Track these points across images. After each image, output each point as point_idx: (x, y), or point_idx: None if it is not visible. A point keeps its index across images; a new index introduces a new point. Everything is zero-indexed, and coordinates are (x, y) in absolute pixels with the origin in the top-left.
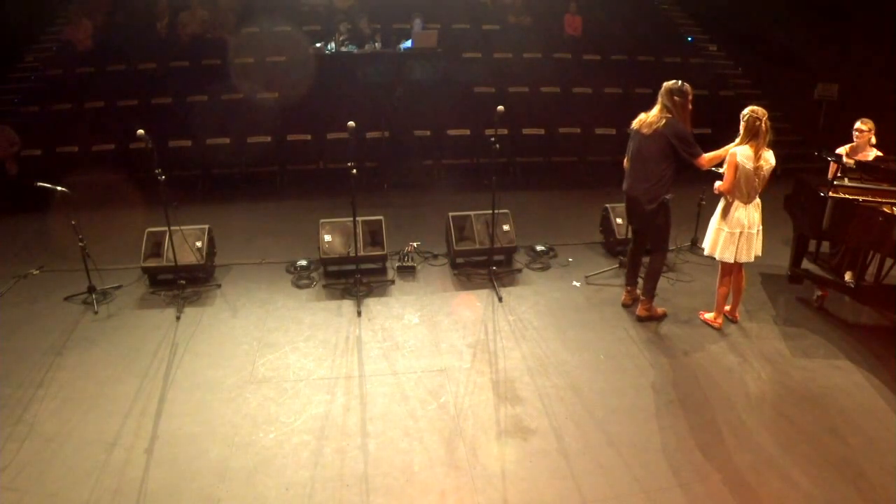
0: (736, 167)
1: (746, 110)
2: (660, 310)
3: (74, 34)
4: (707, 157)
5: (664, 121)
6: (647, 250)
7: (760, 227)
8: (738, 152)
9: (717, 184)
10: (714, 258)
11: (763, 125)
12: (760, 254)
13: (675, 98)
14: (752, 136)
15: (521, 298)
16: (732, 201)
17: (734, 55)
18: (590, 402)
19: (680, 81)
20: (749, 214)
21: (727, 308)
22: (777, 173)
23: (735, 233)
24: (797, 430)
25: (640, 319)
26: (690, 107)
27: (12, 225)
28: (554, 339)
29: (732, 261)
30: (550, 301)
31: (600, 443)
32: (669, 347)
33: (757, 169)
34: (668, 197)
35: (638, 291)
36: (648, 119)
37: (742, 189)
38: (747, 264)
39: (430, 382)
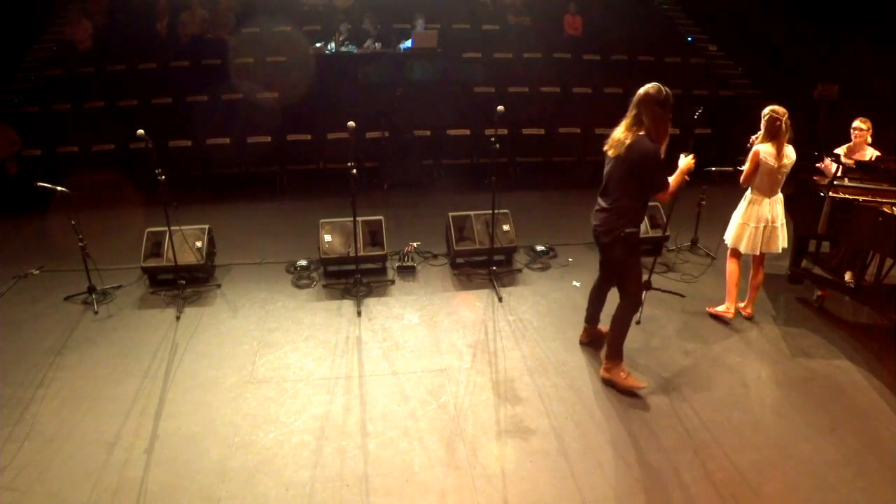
0: (757, 164)
1: (767, 109)
2: (633, 379)
3: (74, 34)
4: (670, 191)
5: (629, 140)
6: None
7: (784, 221)
8: (762, 150)
9: None
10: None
11: (783, 124)
12: (786, 245)
13: (656, 109)
14: (773, 135)
15: (521, 298)
16: (755, 197)
17: (734, 55)
18: (590, 402)
19: (660, 86)
20: (772, 208)
21: (741, 304)
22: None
23: (759, 227)
24: (797, 430)
25: (603, 381)
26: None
27: (12, 225)
28: (554, 339)
29: (757, 252)
30: (550, 301)
31: (600, 443)
32: (669, 347)
33: (781, 166)
34: (628, 230)
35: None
36: (615, 137)
37: (765, 184)
38: (748, 264)
39: (430, 382)
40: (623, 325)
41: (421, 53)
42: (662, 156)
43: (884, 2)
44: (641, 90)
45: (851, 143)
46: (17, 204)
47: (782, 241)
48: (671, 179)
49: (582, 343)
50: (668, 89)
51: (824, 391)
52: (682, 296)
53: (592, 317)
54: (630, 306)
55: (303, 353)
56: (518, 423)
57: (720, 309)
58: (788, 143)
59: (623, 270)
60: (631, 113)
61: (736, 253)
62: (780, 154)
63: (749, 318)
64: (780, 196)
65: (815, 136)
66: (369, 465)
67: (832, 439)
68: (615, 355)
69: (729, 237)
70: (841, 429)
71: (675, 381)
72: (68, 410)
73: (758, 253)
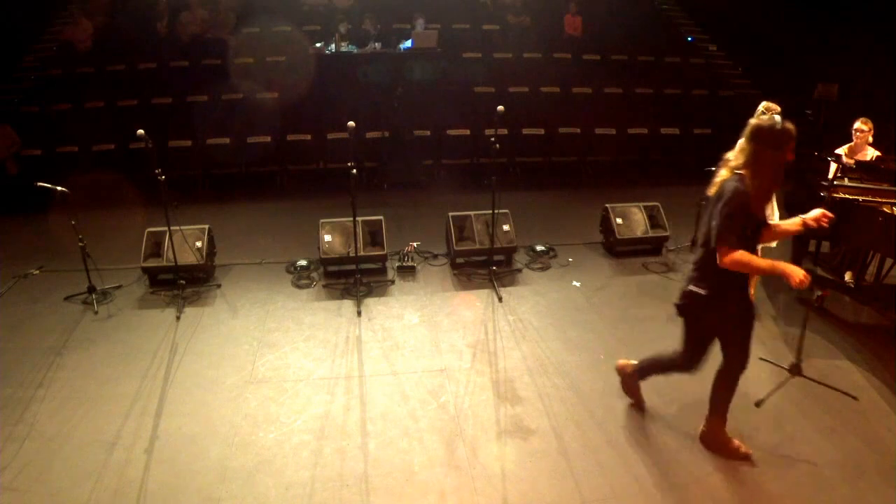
0: None
1: (761, 105)
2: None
3: (74, 34)
4: (737, 258)
5: (723, 178)
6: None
7: (776, 219)
8: None
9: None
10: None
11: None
12: (774, 244)
13: (764, 149)
14: None
15: (521, 298)
16: None
17: (734, 55)
18: (590, 402)
19: (777, 120)
20: None
21: None
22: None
23: None
24: (797, 430)
25: (702, 441)
26: (791, 156)
27: (12, 225)
28: (554, 339)
29: None
30: (550, 301)
31: (600, 443)
32: (670, 347)
33: None
34: (689, 288)
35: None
36: (718, 175)
37: None
38: None
39: (430, 382)
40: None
41: (421, 53)
42: (766, 207)
43: (884, 2)
44: (753, 120)
45: (852, 144)
46: (17, 204)
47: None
48: (740, 256)
49: (701, 440)
50: (788, 125)
51: (824, 391)
52: (854, 398)
53: (715, 410)
54: (678, 362)
55: (303, 353)
56: (518, 423)
57: None
58: None
59: (686, 327)
60: (738, 147)
61: None
62: None
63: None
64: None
65: (814, 136)
66: (369, 465)
67: (832, 439)
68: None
69: None
70: (841, 429)
71: (675, 381)
72: (68, 410)
73: None
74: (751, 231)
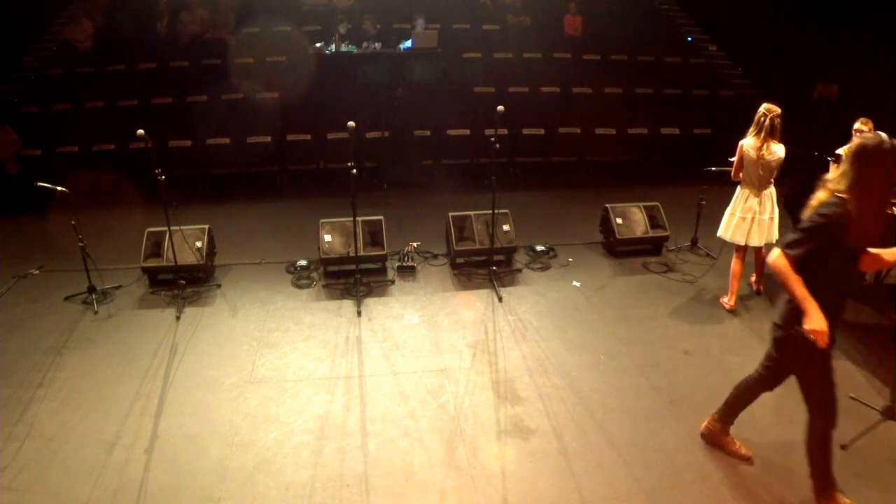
0: (742, 156)
1: (762, 106)
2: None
3: (74, 34)
4: (782, 266)
5: (824, 201)
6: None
7: (775, 215)
8: (745, 143)
9: None
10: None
11: (767, 120)
12: (775, 239)
13: (880, 174)
14: (758, 129)
15: (521, 298)
16: (743, 189)
17: (734, 55)
18: (590, 402)
19: (884, 139)
20: (761, 201)
21: (752, 279)
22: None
23: (746, 217)
24: (797, 430)
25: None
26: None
27: (12, 225)
28: (554, 339)
29: (743, 243)
30: (550, 301)
31: (600, 443)
32: (670, 347)
33: (760, 158)
34: (796, 328)
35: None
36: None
37: (749, 176)
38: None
39: (430, 382)
40: (819, 449)
41: (421, 53)
42: (869, 234)
43: (884, 2)
44: (858, 140)
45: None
46: (17, 204)
47: (771, 234)
48: (793, 281)
49: (702, 435)
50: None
51: None
52: None
53: (727, 411)
54: (820, 425)
55: (303, 353)
56: (518, 423)
57: (724, 299)
58: (779, 141)
59: (803, 380)
60: (840, 168)
61: (739, 249)
62: (762, 147)
63: (759, 294)
64: (771, 191)
65: (814, 136)
66: (369, 465)
67: (832, 439)
68: (821, 483)
69: (720, 228)
70: (840, 429)
71: (676, 381)
72: (68, 410)
73: (742, 243)
74: (844, 259)
